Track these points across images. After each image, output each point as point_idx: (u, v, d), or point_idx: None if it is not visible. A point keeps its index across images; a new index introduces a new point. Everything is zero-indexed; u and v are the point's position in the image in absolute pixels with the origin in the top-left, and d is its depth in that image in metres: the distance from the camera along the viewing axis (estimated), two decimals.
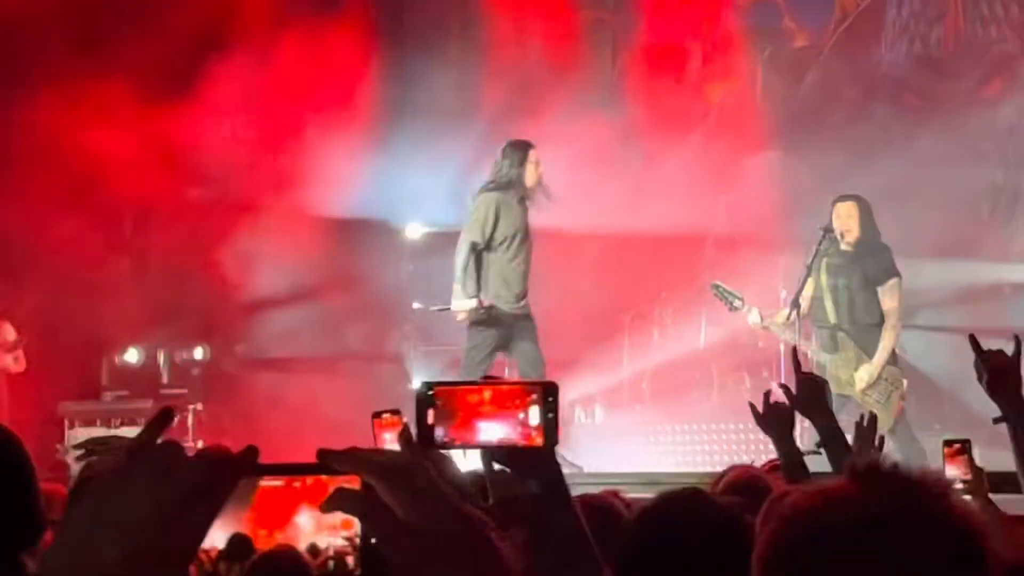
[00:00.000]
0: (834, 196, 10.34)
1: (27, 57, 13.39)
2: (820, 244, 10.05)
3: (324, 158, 13.95)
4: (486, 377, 1.99)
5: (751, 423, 4.90)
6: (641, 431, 13.31)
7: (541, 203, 10.67)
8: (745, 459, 11.69)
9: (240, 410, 13.71)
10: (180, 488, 1.44)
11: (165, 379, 14.81)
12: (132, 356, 14.84)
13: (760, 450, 11.44)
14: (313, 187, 13.99)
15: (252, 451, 1.51)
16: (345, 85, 14.41)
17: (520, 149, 10.65)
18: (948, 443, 4.84)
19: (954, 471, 4.72)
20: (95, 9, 13.75)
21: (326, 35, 14.32)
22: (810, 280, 10.14)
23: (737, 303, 10.49)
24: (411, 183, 14.18)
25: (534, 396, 1.93)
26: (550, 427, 1.93)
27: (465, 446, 1.96)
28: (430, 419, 1.92)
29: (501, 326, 10.50)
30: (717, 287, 10.62)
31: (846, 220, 9.91)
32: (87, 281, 13.80)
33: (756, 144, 14.57)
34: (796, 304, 10.06)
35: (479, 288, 10.48)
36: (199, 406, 13.99)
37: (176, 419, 13.61)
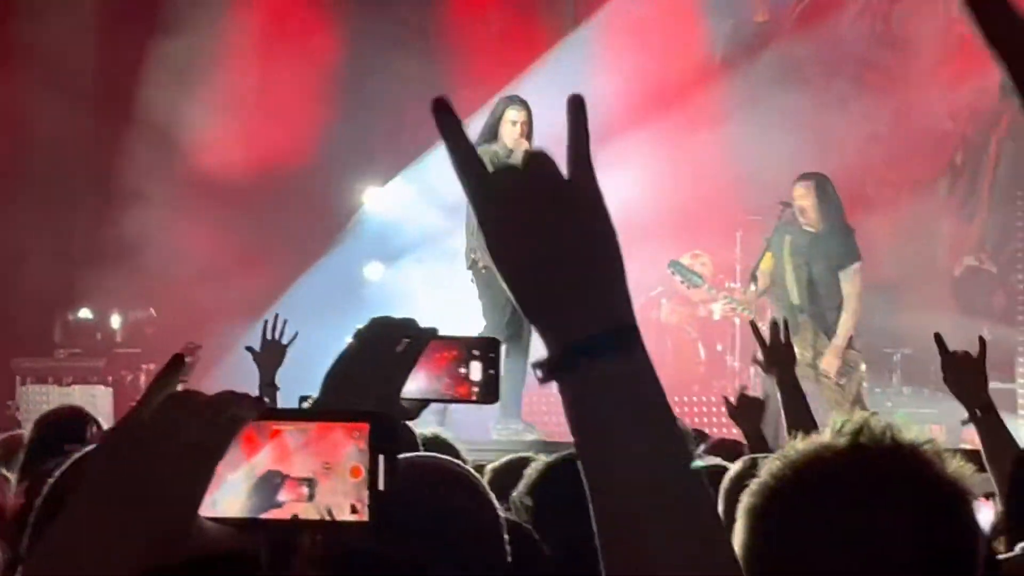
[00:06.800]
0: (792, 172, 10.32)
1: None
2: (779, 218, 10.07)
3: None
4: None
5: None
6: None
7: None
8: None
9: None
10: (193, 433, 1.45)
11: (119, 338, 14.71)
12: (86, 314, 14.71)
13: (707, 423, 11.52)
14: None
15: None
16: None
17: (501, 104, 10.03)
18: None
19: None
20: None
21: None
22: (768, 255, 10.15)
23: (697, 280, 10.51)
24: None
25: (476, 352, 1.96)
26: (490, 383, 1.96)
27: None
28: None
29: None
30: (676, 265, 10.63)
31: (803, 200, 9.89)
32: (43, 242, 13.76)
33: (714, 118, 14.56)
34: (754, 277, 10.10)
35: None
36: (152, 366, 13.92)
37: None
